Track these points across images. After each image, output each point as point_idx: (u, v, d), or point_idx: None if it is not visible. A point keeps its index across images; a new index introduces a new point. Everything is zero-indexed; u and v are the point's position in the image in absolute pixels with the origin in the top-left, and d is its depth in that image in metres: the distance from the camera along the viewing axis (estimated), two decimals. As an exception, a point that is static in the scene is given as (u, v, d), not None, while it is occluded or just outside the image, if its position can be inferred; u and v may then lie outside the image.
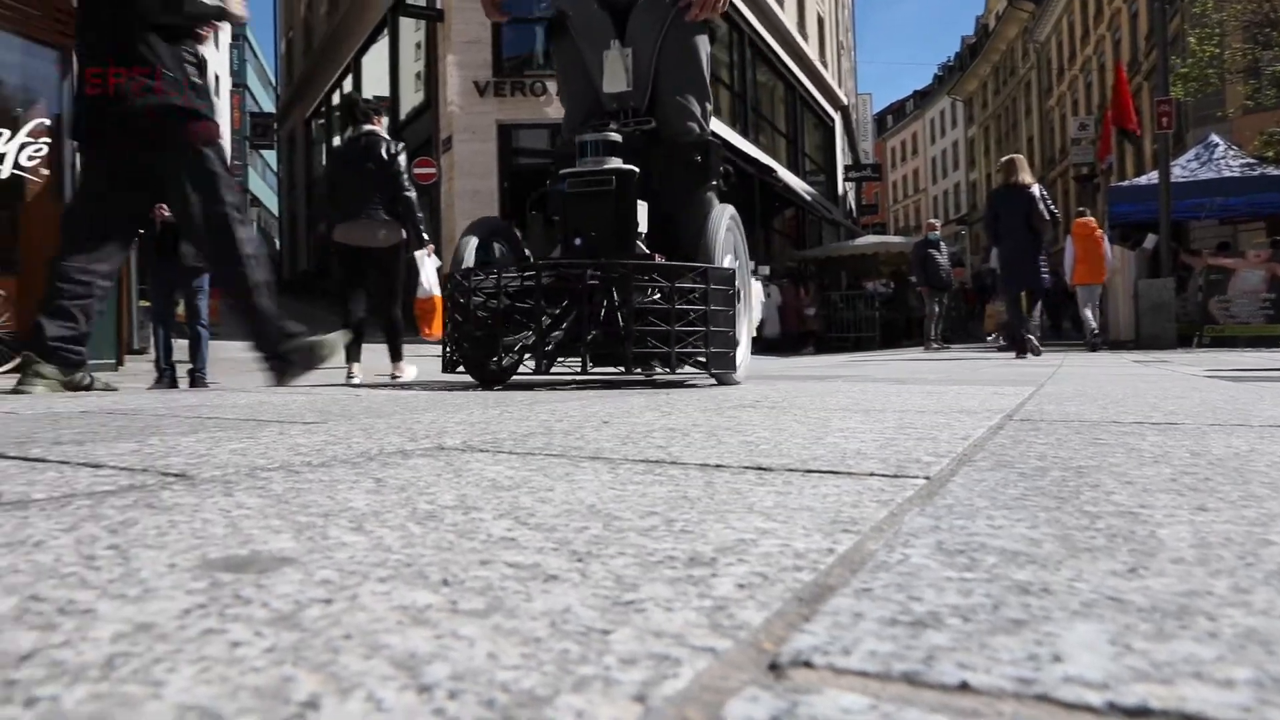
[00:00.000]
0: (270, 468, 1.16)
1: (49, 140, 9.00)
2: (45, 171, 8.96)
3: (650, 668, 0.44)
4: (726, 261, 3.70)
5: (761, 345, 13.61)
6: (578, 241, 3.54)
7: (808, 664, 0.45)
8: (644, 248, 3.57)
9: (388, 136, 6.01)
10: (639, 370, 3.35)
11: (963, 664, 0.45)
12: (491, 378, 3.51)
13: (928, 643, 0.48)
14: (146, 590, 0.58)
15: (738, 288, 3.79)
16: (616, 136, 3.61)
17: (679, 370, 3.42)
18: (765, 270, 15.21)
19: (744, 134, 20.69)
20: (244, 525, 0.79)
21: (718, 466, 1.17)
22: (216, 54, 46.54)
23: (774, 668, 0.45)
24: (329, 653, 0.45)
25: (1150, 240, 12.97)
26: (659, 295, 3.31)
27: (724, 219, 3.68)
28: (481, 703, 0.39)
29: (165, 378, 5.91)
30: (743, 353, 3.88)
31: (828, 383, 3.63)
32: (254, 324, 3.62)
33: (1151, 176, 14.17)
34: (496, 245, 3.95)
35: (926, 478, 1.08)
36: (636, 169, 3.54)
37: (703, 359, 3.34)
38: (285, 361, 3.67)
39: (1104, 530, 0.78)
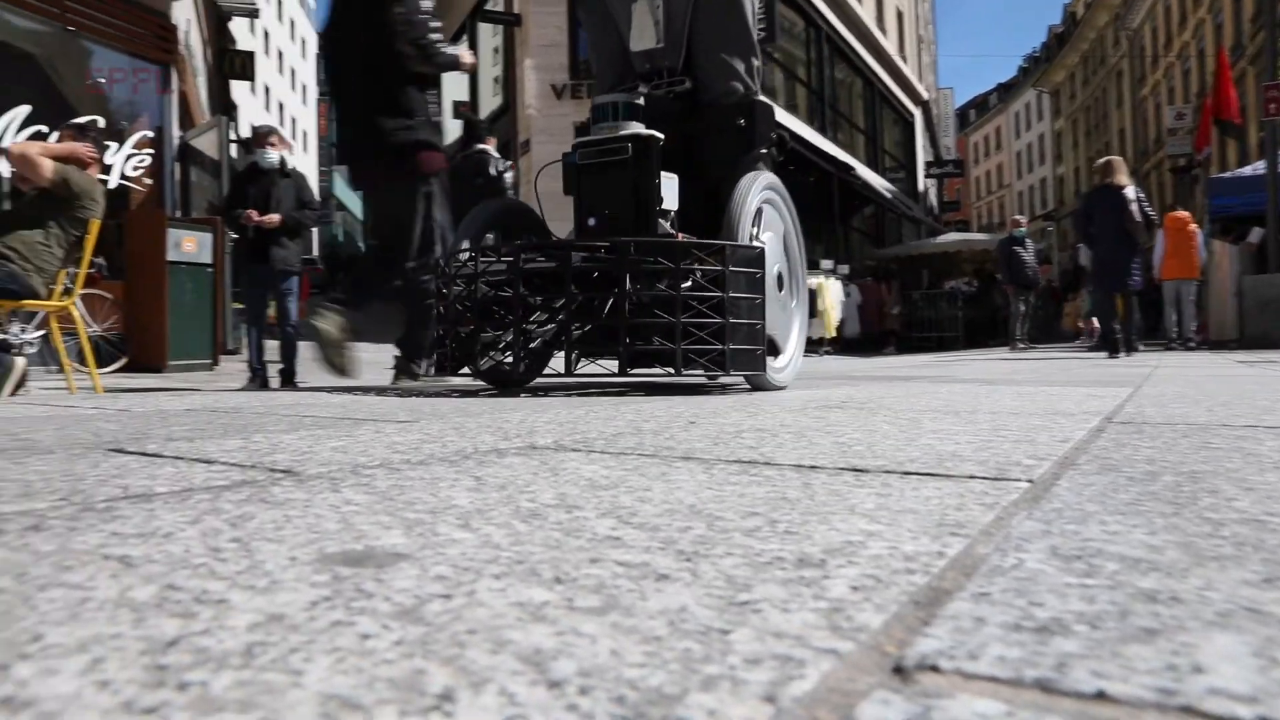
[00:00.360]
0: (371, 465, 1.19)
1: (151, 151, 9.44)
2: (148, 181, 9.40)
3: (775, 668, 0.44)
4: (765, 239, 3.15)
5: (841, 345, 13.45)
6: (591, 221, 3.07)
7: (934, 668, 0.45)
8: (668, 227, 3.03)
9: (496, 154, 6.49)
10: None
11: (1097, 672, 0.44)
12: (505, 378, 3.09)
13: (1057, 650, 0.47)
14: (273, 582, 0.60)
15: (778, 272, 3.24)
16: (637, 98, 3.13)
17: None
18: (845, 269, 15.00)
19: (821, 131, 20.43)
20: (355, 521, 0.81)
21: (813, 468, 1.16)
22: (305, 64, 48.07)
23: (899, 671, 0.44)
24: (455, 647, 0.46)
25: (1255, 234, 12.33)
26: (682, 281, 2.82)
27: (754, 188, 3.11)
28: (612, 699, 0.40)
29: (258, 377, 6.12)
30: (790, 352, 3.39)
31: (913, 383, 3.55)
32: (414, 327, 3.95)
33: (1257, 167, 13.48)
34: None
35: (1030, 481, 1.05)
36: (660, 135, 3.01)
37: (720, 358, 2.80)
38: (413, 372, 3.98)
39: (1230, 538, 0.74)
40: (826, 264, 14.42)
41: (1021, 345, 12.61)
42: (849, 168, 20.29)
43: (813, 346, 12.63)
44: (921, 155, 30.67)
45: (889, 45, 25.92)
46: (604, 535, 0.74)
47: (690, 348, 2.77)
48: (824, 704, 0.40)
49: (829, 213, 18.46)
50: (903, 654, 0.47)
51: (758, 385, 3.08)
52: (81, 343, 5.07)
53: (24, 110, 8.31)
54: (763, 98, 3.50)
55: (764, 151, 3.41)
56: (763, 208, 3.26)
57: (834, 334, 13.19)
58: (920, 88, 29.94)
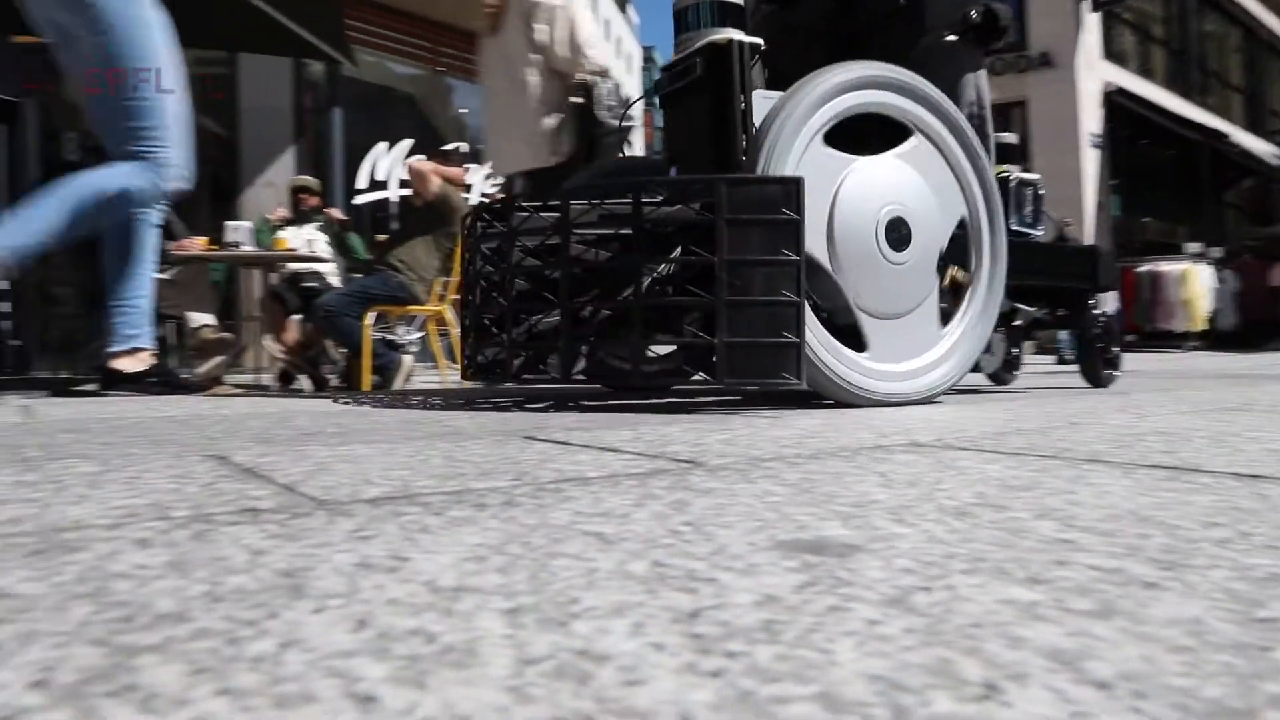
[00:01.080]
0: (766, 458, 1.24)
1: (505, 170, 10.64)
2: (501, 198, 10.57)
3: (1350, 695, 0.40)
4: (855, 169, 2.13)
5: (1213, 339, 11.81)
6: (674, 170, 2.36)
7: None
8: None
9: None
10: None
11: None
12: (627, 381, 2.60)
13: None
14: (749, 565, 0.65)
15: (890, 218, 2.13)
16: None
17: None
18: (1217, 252, 13.10)
19: (1185, 95, 18.01)
20: (787, 510, 0.85)
21: (1255, 476, 1.03)
22: (630, 76, 51.05)
23: None
24: (968, 640, 0.47)
25: None
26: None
27: (820, 85, 2.08)
28: (1173, 706, 0.38)
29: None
30: (941, 350, 2.29)
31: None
32: None
33: None
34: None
35: None
36: (757, 40, 2.13)
37: (697, 359, 2.08)
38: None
39: None
40: (1193, 247, 12.71)
41: None
42: (1221, 135, 17.72)
43: (1176, 341, 11.22)
44: (1320, 110, 26.00)
45: (1275, -15, 22.26)
46: (1053, 537, 0.72)
47: (674, 341, 2.11)
48: None
49: (1196, 188, 16.25)
50: None
51: (841, 400, 2.13)
52: (452, 342, 5.81)
53: (409, 142, 9.84)
54: None
55: (950, 39, 2.44)
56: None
57: (1204, 327, 11.61)
58: (1319, 29, 25.37)
